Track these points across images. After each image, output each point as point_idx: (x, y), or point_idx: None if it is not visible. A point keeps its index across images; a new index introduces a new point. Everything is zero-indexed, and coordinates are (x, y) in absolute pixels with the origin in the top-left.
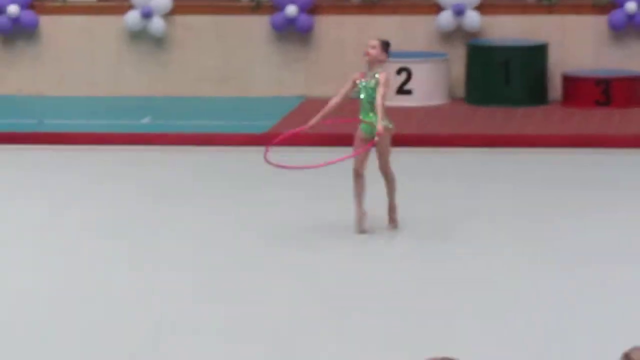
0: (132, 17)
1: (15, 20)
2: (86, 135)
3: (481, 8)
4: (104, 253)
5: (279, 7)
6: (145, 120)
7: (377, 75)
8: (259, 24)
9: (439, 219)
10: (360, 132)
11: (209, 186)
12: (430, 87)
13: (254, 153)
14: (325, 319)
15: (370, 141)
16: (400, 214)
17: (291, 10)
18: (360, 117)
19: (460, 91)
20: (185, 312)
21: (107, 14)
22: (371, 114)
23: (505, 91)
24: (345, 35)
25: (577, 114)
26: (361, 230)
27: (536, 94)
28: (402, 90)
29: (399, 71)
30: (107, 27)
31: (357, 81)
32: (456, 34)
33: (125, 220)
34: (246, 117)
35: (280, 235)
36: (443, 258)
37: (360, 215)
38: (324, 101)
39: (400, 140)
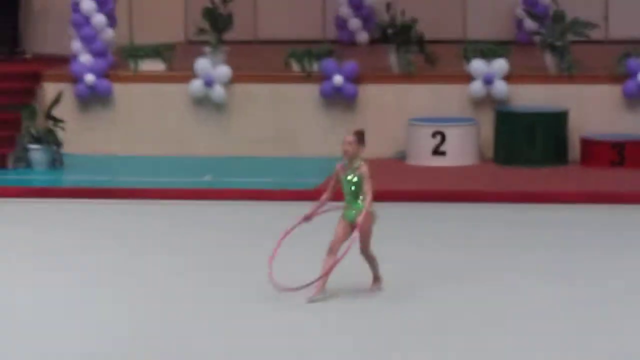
0: (196, 85)
1: (92, 87)
2: (153, 191)
3: (508, 78)
4: (179, 294)
5: (328, 77)
6: (207, 177)
7: (357, 170)
8: (309, 92)
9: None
10: (343, 217)
11: (262, 237)
12: (462, 149)
13: (303, 208)
14: None
15: (353, 226)
16: (431, 258)
17: (338, 79)
18: (345, 204)
19: (489, 152)
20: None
21: (173, 82)
22: (355, 203)
23: (529, 153)
24: (385, 102)
25: (594, 174)
26: (311, 300)
27: (557, 155)
28: (436, 152)
29: (434, 134)
30: (173, 94)
31: (340, 174)
32: (486, 101)
33: (193, 264)
34: (297, 175)
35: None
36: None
37: (321, 287)
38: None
39: (435, 196)
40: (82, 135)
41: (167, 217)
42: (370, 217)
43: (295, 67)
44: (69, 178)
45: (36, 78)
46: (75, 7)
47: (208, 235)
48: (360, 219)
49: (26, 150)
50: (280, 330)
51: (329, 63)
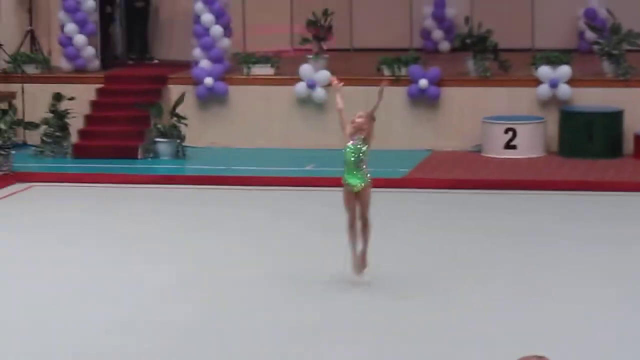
0: (300, 87)
1: (210, 89)
2: (263, 179)
3: (571, 82)
4: (289, 273)
5: (414, 80)
6: (309, 167)
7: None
8: (398, 93)
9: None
10: (348, 187)
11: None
12: (531, 143)
13: (394, 194)
14: None
15: (356, 194)
16: (510, 243)
17: (423, 82)
18: (345, 174)
19: (554, 146)
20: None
21: (281, 84)
22: (354, 173)
23: (589, 147)
24: (464, 102)
25: None
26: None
27: (613, 149)
28: (508, 146)
29: (506, 131)
30: (281, 94)
31: (350, 137)
32: (551, 101)
33: (300, 247)
34: (387, 165)
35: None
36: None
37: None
38: (447, 153)
39: (506, 184)
40: (201, 130)
41: (274, 203)
42: (367, 184)
43: (386, 71)
44: (190, 167)
45: (163, 80)
46: (197, 19)
47: (310, 219)
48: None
49: (154, 143)
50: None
51: (415, 68)
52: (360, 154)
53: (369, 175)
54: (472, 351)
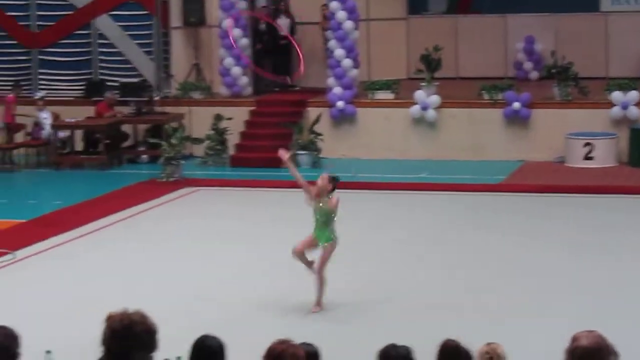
0: (415, 109)
1: (342, 110)
2: (385, 184)
3: (639, 104)
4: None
5: (509, 103)
6: (423, 174)
7: (327, 203)
8: (495, 114)
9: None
10: (314, 235)
11: (459, 220)
12: (606, 155)
13: (493, 197)
14: None
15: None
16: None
17: (516, 105)
18: (314, 229)
19: (625, 157)
20: None
21: (399, 107)
22: (323, 232)
23: None
24: (550, 121)
25: None
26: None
27: None
28: (587, 157)
29: (585, 144)
30: (399, 115)
31: (313, 198)
32: (622, 121)
33: (419, 238)
34: (486, 173)
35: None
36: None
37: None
38: (536, 163)
39: (587, 189)
40: (334, 145)
41: (394, 203)
42: (334, 245)
43: (485, 96)
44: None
45: (303, 104)
46: (331, 53)
47: (427, 217)
48: (326, 249)
49: (296, 155)
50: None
51: (510, 94)
52: (325, 216)
53: (334, 236)
54: None
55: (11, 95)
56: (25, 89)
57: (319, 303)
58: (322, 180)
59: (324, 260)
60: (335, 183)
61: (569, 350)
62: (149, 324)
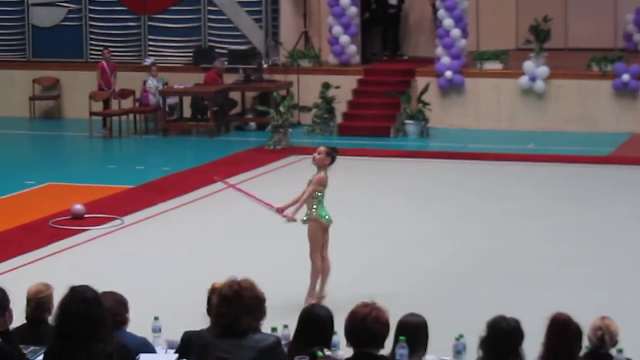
0: (524, 80)
1: (450, 80)
2: (494, 155)
3: None
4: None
5: (618, 75)
6: (531, 145)
7: (316, 175)
8: (605, 86)
9: None
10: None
11: (579, 189)
12: None
13: (600, 169)
14: None
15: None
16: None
17: (625, 77)
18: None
19: None
20: None
21: (507, 77)
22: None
23: None
24: None
25: None
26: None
27: None
28: None
29: None
30: (508, 85)
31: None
32: None
33: (526, 209)
34: (595, 145)
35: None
36: None
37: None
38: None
39: None
40: (442, 114)
41: (502, 174)
42: (316, 224)
43: (594, 67)
44: (434, 145)
45: (411, 73)
46: (440, 23)
47: (534, 187)
48: (293, 211)
49: (403, 124)
50: None
51: (620, 65)
52: (316, 192)
53: (314, 213)
54: None
55: (101, 62)
56: (135, 55)
57: (311, 293)
58: (318, 153)
59: (310, 240)
60: (335, 155)
61: None
62: (257, 291)
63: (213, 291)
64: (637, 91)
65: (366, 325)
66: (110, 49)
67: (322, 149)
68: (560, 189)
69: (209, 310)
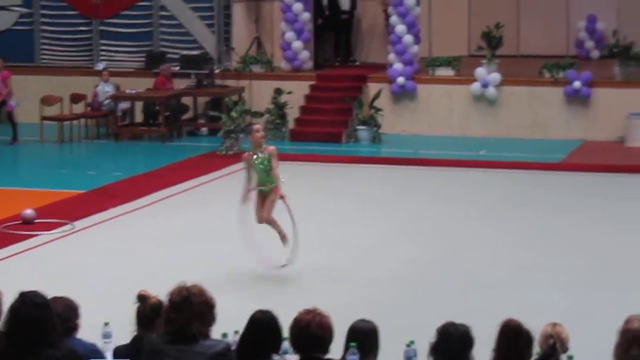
0: (475, 87)
1: (402, 86)
2: (444, 161)
3: None
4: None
5: (570, 82)
6: (482, 151)
7: (265, 151)
8: (556, 92)
9: None
10: (259, 194)
11: (520, 201)
12: None
13: (552, 175)
14: None
15: (268, 195)
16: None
17: (577, 84)
18: (258, 182)
19: None
20: None
21: (459, 84)
22: (268, 178)
23: None
24: (611, 101)
25: None
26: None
27: None
28: None
29: None
30: (459, 92)
31: (249, 159)
32: None
33: (477, 215)
34: (546, 152)
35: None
36: None
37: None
38: (596, 143)
39: None
40: (394, 120)
41: (453, 180)
42: (279, 189)
43: (546, 74)
44: (386, 150)
45: (363, 79)
46: (392, 29)
47: (485, 195)
48: (281, 190)
49: (356, 130)
50: None
51: (571, 72)
52: (268, 164)
53: (278, 182)
54: None
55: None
56: (86, 60)
57: (283, 236)
58: (258, 132)
59: (272, 204)
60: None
61: (622, 332)
62: (207, 297)
63: (140, 298)
64: (588, 98)
65: (310, 331)
66: (59, 53)
67: (259, 126)
68: (512, 195)
69: (140, 319)
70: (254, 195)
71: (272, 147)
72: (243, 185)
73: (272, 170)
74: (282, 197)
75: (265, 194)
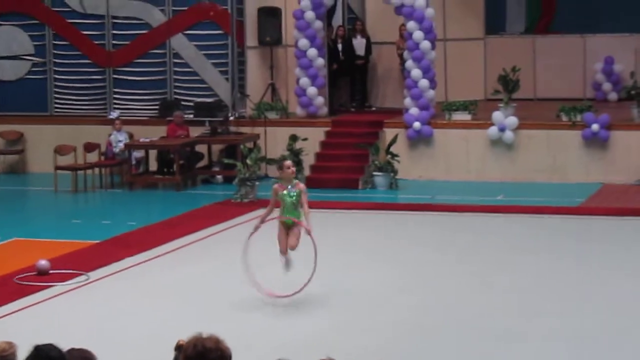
0: (493, 130)
1: (418, 131)
2: (463, 207)
3: None
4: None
5: (588, 125)
6: (500, 196)
7: (296, 187)
8: (574, 136)
9: None
10: (283, 225)
11: (539, 244)
12: None
13: (570, 220)
14: None
15: (295, 227)
16: None
17: (595, 127)
18: (284, 214)
19: None
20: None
21: (476, 128)
22: (295, 212)
23: None
24: (630, 143)
25: None
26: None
27: None
28: None
29: None
30: (476, 136)
31: (279, 191)
32: None
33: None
34: (565, 196)
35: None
36: None
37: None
38: (615, 186)
39: None
40: (411, 166)
41: (472, 226)
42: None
43: (563, 117)
44: (403, 197)
45: (379, 125)
46: (408, 74)
47: (501, 239)
48: (307, 224)
49: (372, 176)
50: None
51: (589, 115)
52: (296, 199)
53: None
54: None
55: None
56: (100, 109)
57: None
58: (290, 168)
59: (299, 235)
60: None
61: None
62: (223, 348)
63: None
64: (606, 141)
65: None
66: (73, 102)
67: (290, 162)
68: (530, 240)
69: None
70: (278, 225)
71: (302, 185)
72: (265, 212)
73: (303, 205)
74: (308, 232)
75: (289, 226)
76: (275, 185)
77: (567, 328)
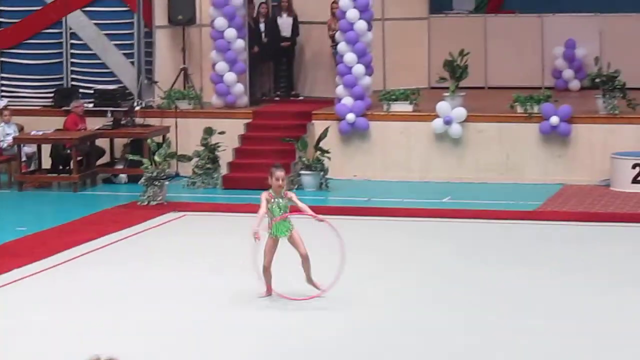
0: (437, 123)
1: (352, 124)
2: (402, 210)
3: None
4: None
5: (546, 117)
6: (446, 199)
7: (286, 196)
8: (531, 130)
9: None
10: (271, 236)
11: (487, 252)
12: None
13: (526, 226)
14: None
15: (292, 236)
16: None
17: (554, 120)
18: (272, 228)
19: None
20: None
21: (419, 120)
22: (284, 224)
23: None
24: (593, 138)
25: None
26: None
27: None
28: (636, 180)
29: (634, 166)
30: (419, 130)
31: (271, 200)
32: None
33: (444, 274)
34: (520, 198)
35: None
36: None
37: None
38: (577, 187)
39: (636, 218)
40: (343, 164)
41: (414, 232)
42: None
43: (519, 109)
44: (334, 199)
45: (307, 116)
46: (340, 58)
47: (453, 246)
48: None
49: (299, 175)
50: None
51: (547, 106)
52: (286, 208)
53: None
54: None
55: None
56: None
57: (311, 281)
58: (283, 180)
59: (302, 241)
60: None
61: None
62: None
63: None
64: (567, 136)
65: None
66: None
67: (281, 174)
68: (478, 248)
69: None
70: (267, 238)
71: (290, 192)
72: (258, 217)
73: (298, 204)
74: (320, 219)
75: (279, 235)
76: (265, 194)
77: (526, 343)
